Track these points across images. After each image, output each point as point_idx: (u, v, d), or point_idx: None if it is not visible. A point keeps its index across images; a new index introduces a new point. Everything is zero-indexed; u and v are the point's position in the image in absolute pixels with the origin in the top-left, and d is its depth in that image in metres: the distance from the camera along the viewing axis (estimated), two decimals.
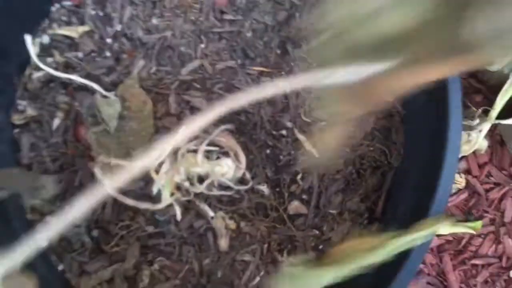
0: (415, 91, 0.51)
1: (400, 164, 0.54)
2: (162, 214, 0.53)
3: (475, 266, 0.62)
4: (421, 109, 0.50)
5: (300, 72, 0.57)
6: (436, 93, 0.46)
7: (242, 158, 0.48)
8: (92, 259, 0.52)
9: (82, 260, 0.52)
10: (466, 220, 0.62)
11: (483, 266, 0.62)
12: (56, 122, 0.54)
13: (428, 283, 0.67)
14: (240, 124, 0.55)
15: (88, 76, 0.54)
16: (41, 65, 0.50)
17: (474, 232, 0.61)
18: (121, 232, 0.53)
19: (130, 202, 0.45)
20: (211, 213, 0.52)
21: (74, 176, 0.54)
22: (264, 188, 0.54)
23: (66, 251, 0.53)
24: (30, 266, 0.49)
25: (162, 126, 0.53)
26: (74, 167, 0.54)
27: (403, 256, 0.42)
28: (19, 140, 0.53)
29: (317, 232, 0.54)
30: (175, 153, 0.47)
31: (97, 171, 0.42)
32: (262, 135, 0.55)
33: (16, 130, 0.54)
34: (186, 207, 0.53)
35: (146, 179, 0.52)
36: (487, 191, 0.63)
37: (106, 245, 0.53)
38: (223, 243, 0.52)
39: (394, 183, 0.54)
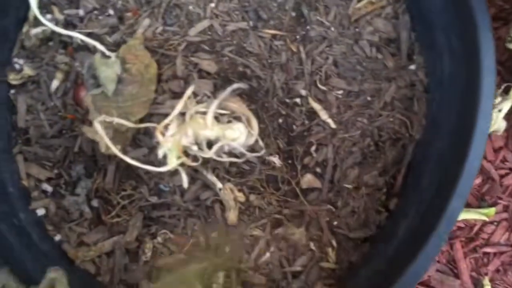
0: (442, 56, 0.48)
1: (422, 136, 0.51)
2: (167, 183, 0.50)
3: (486, 254, 0.60)
4: (449, 76, 0.47)
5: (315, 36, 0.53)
6: (467, 56, 0.42)
7: (255, 124, 0.45)
8: (91, 230, 0.49)
9: (80, 231, 0.49)
10: (479, 207, 0.60)
11: (495, 254, 0.60)
12: (55, 83, 0.50)
13: (438, 270, 0.64)
14: (251, 90, 0.51)
15: (89, 35, 0.51)
16: (42, 19, 0.47)
17: (487, 219, 0.58)
18: (122, 202, 0.49)
19: (134, 162, 0.42)
20: (219, 184, 0.49)
21: (74, 141, 0.50)
22: (276, 160, 0.51)
23: (63, 221, 0.49)
24: (25, 236, 0.46)
25: (168, 89, 0.49)
26: (74, 132, 0.50)
27: (421, 241, 0.39)
28: (15, 101, 0.50)
29: (331, 207, 0.51)
30: (182, 115, 0.43)
31: (98, 127, 0.39)
32: (275, 103, 0.52)
33: (12, 91, 0.50)
34: (193, 177, 0.49)
35: (149, 146, 0.49)
36: (501, 176, 0.60)
37: (107, 215, 0.49)
38: (232, 216, 0.49)
39: (416, 155, 0.50)
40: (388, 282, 0.39)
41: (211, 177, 0.49)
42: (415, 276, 0.37)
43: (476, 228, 0.61)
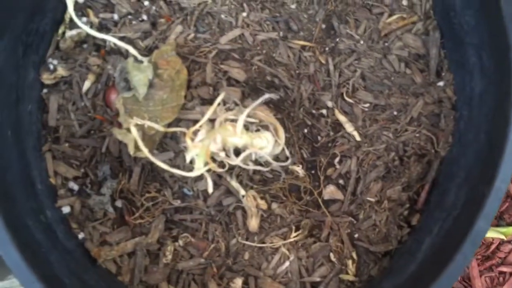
0: (472, 74, 0.48)
1: (447, 153, 0.50)
2: (191, 188, 0.50)
3: (502, 273, 0.60)
4: (478, 95, 0.47)
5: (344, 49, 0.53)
6: (499, 75, 0.42)
7: (282, 133, 0.45)
8: (114, 230, 0.50)
9: (103, 230, 0.50)
10: (497, 225, 0.59)
11: (511, 274, 0.59)
12: (87, 84, 0.51)
13: (453, 287, 0.63)
14: (278, 100, 0.52)
15: (122, 39, 0.52)
16: (78, 22, 0.48)
17: (505, 238, 0.57)
18: (146, 204, 0.50)
19: (163, 165, 0.43)
20: (242, 191, 0.49)
21: (102, 142, 0.51)
22: (299, 169, 0.51)
23: (87, 220, 0.50)
24: (51, 233, 0.47)
25: (197, 95, 0.50)
26: (102, 133, 0.51)
27: (446, 260, 0.38)
28: (47, 100, 0.51)
29: (352, 219, 0.51)
30: (211, 121, 0.44)
31: (134, 131, 0.39)
32: (301, 113, 0.52)
33: (45, 90, 0.51)
34: (216, 182, 0.50)
35: (176, 150, 0.50)
36: None
37: (130, 216, 0.50)
38: (253, 223, 0.49)
39: (441, 172, 0.50)
40: None
41: (235, 184, 0.49)
42: None
43: (493, 247, 0.60)
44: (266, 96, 0.43)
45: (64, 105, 0.52)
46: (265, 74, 0.52)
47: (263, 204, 0.50)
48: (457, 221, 0.42)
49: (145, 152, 0.42)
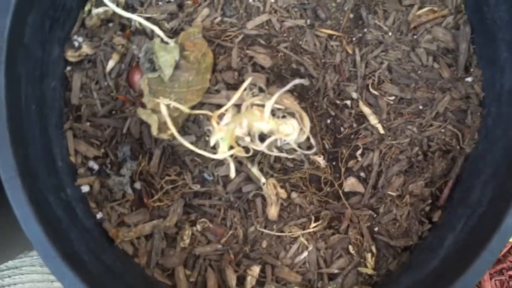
0: (503, 71, 0.47)
1: (473, 150, 0.50)
2: (211, 173, 0.50)
3: None
4: (508, 92, 0.46)
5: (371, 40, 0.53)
6: None
7: (307, 121, 0.45)
8: (133, 212, 0.50)
9: (122, 211, 0.50)
10: None
11: None
12: (111, 64, 0.51)
13: None
14: (302, 88, 0.51)
15: (148, 20, 0.51)
16: (105, 0, 0.47)
17: None
18: (165, 187, 0.50)
19: (188, 145, 0.42)
20: (262, 179, 0.49)
21: (123, 123, 0.51)
22: (321, 160, 0.51)
23: (106, 200, 0.50)
24: (71, 210, 0.47)
25: (222, 79, 0.49)
26: (124, 113, 0.51)
27: (472, 256, 0.38)
28: (70, 78, 0.51)
29: (372, 213, 0.50)
30: (237, 106, 0.43)
31: (164, 109, 0.39)
32: (324, 103, 0.52)
33: (69, 68, 0.51)
34: (237, 169, 0.49)
35: (197, 134, 0.49)
36: None
37: (149, 199, 0.50)
38: (273, 211, 0.48)
39: (465, 169, 0.49)
40: None
41: (256, 171, 0.49)
42: None
43: (504, 250, 0.60)
44: (296, 81, 0.42)
45: (87, 83, 0.51)
46: (290, 61, 0.51)
47: (282, 193, 0.49)
48: (483, 218, 0.42)
49: (173, 130, 0.41)
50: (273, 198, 0.49)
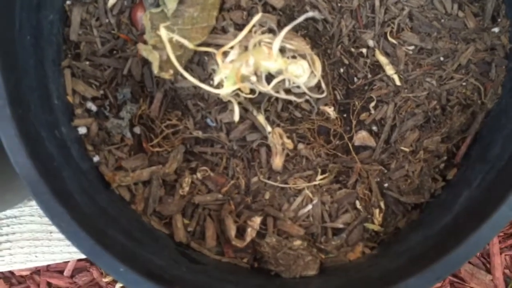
0: None
1: (495, 105, 0.46)
2: (214, 119, 0.47)
3: None
4: None
5: None
6: None
7: (319, 64, 0.41)
8: (131, 156, 0.47)
9: (120, 155, 0.47)
10: None
11: None
12: (112, 0, 0.48)
13: (470, 262, 0.61)
14: (316, 33, 0.48)
15: None
16: None
17: None
18: (166, 131, 0.47)
19: (192, 79, 0.39)
20: (268, 127, 0.46)
21: (124, 63, 0.48)
22: (331, 111, 0.48)
23: (103, 143, 0.48)
24: (65, 149, 0.45)
25: (229, 19, 0.46)
26: (125, 53, 0.48)
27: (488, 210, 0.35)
28: (69, 13, 0.48)
29: (383, 168, 0.47)
30: (244, 47, 0.40)
31: (163, 34, 0.36)
32: (338, 50, 0.48)
33: (68, 2, 0.48)
34: (242, 116, 0.46)
35: (202, 76, 0.46)
36: None
37: (148, 143, 0.47)
38: (278, 162, 0.46)
39: (485, 125, 0.46)
40: (444, 249, 0.35)
41: (262, 119, 0.46)
42: (478, 244, 0.34)
43: None
44: (310, 14, 0.39)
45: (87, 19, 0.48)
46: (304, 3, 0.48)
47: (289, 144, 0.47)
48: (502, 172, 0.39)
49: (176, 65, 0.38)
50: (279, 148, 0.46)
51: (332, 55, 0.48)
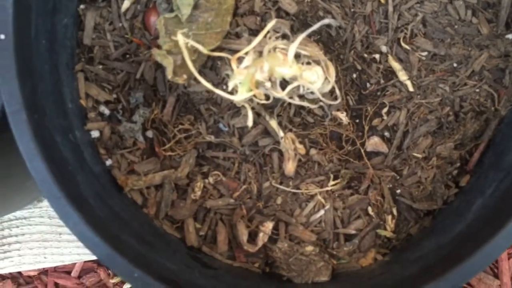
0: None
1: (509, 112, 0.46)
2: (227, 124, 0.47)
3: None
4: None
5: None
6: None
7: (333, 71, 0.41)
8: (143, 160, 0.48)
9: (132, 159, 0.47)
10: None
11: None
12: (126, 4, 0.48)
13: None
14: (329, 38, 0.48)
15: None
16: None
17: None
18: (178, 136, 0.47)
19: (206, 84, 0.39)
20: (281, 132, 0.46)
21: (137, 67, 0.48)
22: (343, 116, 0.48)
23: (116, 147, 0.48)
24: (79, 154, 0.45)
25: (243, 24, 0.46)
26: (138, 57, 0.48)
27: (503, 220, 0.35)
28: (83, 17, 0.48)
29: (395, 174, 0.47)
30: (259, 53, 0.40)
31: (180, 39, 0.36)
32: (351, 56, 0.48)
33: (82, 6, 0.48)
34: (254, 121, 0.46)
35: (214, 81, 0.46)
36: None
37: (160, 148, 0.48)
38: (290, 167, 0.46)
39: (499, 132, 0.46)
40: (458, 258, 0.35)
41: (274, 124, 0.46)
42: (492, 254, 0.34)
43: None
44: (326, 21, 0.39)
45: (101, 24, 0.48)
46: (317, 8, 0.48)
47: (301, 149, 0.47)
48: None
49: (192, 69, 0.38)
50: (291, 153, 0.46)
51: (345, 60, 0.48)
